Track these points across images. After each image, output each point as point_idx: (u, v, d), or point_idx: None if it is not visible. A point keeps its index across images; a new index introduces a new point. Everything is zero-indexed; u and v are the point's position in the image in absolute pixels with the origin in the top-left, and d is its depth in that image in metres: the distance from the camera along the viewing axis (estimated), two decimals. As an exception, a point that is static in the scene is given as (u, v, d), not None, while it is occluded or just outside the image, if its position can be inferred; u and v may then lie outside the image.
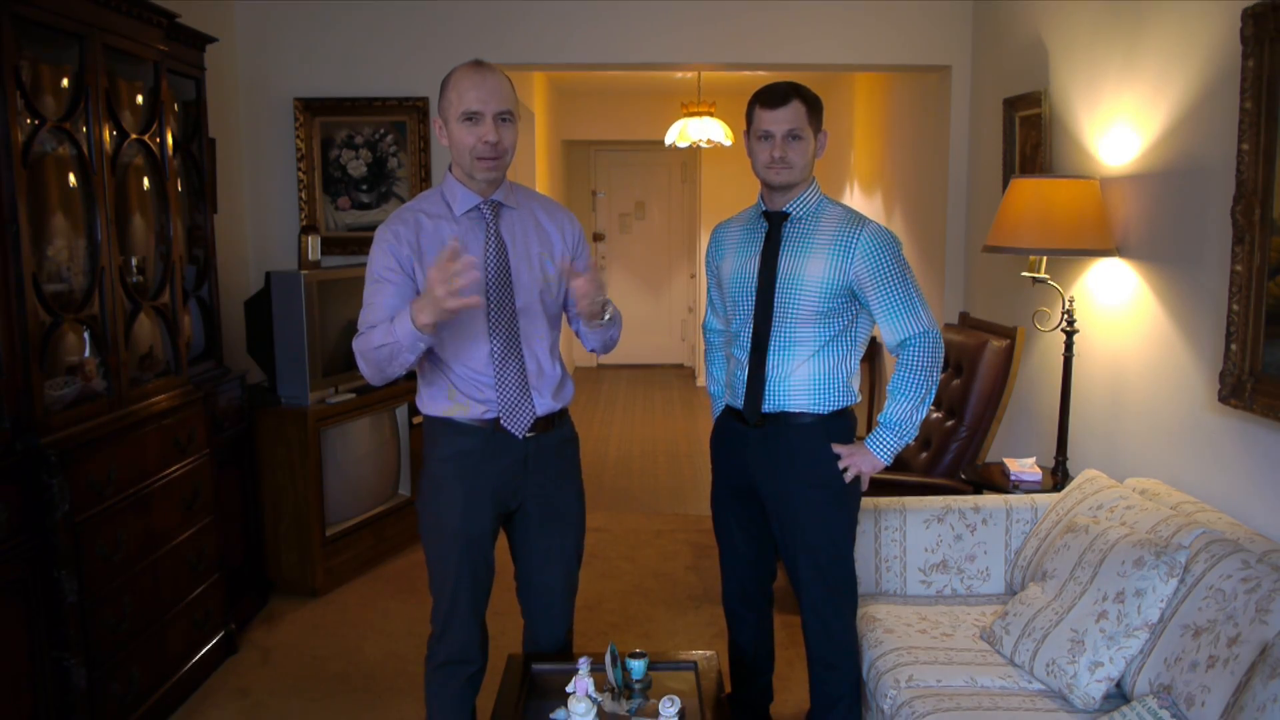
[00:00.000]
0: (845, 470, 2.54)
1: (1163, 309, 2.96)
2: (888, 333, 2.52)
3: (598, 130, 9.04)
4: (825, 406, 2.54)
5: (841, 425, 2.58)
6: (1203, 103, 2.74)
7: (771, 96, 2.50)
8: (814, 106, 2.52)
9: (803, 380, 2.53)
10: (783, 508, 2.59)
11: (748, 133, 2.56)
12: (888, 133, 5.97)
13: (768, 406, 2.55)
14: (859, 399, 2.63)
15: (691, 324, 9.60)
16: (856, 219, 2.52)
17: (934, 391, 2.52)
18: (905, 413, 2.51)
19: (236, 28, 4.64)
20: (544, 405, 2.42)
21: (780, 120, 2.48)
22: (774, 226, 2.56)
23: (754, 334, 2.55)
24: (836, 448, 2.54)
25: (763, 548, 2.77)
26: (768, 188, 2.56)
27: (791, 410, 2.54)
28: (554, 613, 2.58)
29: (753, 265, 2.57)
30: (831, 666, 2.64)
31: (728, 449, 2.70)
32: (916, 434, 2.56)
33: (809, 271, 2.49)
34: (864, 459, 2.54)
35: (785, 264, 2.52)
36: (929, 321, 2.50)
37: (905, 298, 2.48)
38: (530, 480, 2.45)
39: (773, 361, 2.54)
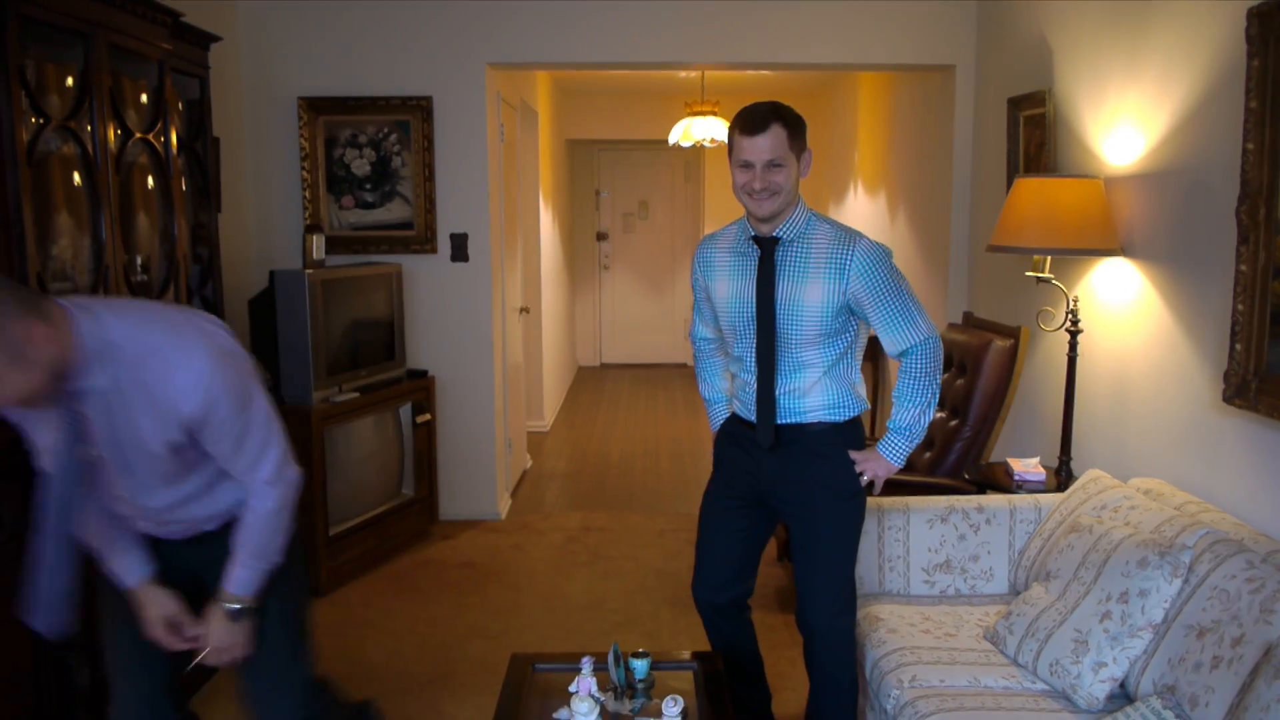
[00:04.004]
0: (862, 475, 2.57)
1: (1167, 309, 2.95)
2: (889, 344, 2.54)
3: (601, 129, 9.04)
4: (840, 416, 2.58)
5: (855, 432, 2.61)
6: (1207, 102, 2.74)
7: (750, 123, 2.41)
8: (795, 129, 2.45)
9: (817, 399, 2.55)
10: (800, 514, 2.60)
11: (730, 155, 2.49)
12: (891, 132, 5.96)
13: (783, 420, 2.58)
14: (867, 405, 2.67)
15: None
16: (847, 237, 2.49)
17: (938, 394, 2.55)
18: (914, 417, 2.54)
19: (241, 27, 4.64)
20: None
21: (759, 150, 2.41)
22: (766, 252, 2.52)
23: (759, 361, 2.54)
24: (853, 454, 2.57)
25: (749, 556, 2.75)
26: (752, 215, 2.52)
27: (809, 421, 2.57)
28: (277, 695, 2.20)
29: (749, 292, 2.53)
30: (830, 668, 2.64)
31: (739, 456, 2.68)
32: (924, 435, 2.59)
33: (808, 296, 2.47)
34: (879, 464, 2.56)
35: (783, 290, 2.49)
36: (928, 329, 2.51)
37: (903, 309, 2.49)
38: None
39: (783, 386, 2.55)
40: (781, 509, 2.65)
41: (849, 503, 2.59)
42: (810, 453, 2.57)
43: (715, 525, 2.75)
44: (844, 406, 2.57)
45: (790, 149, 2.43)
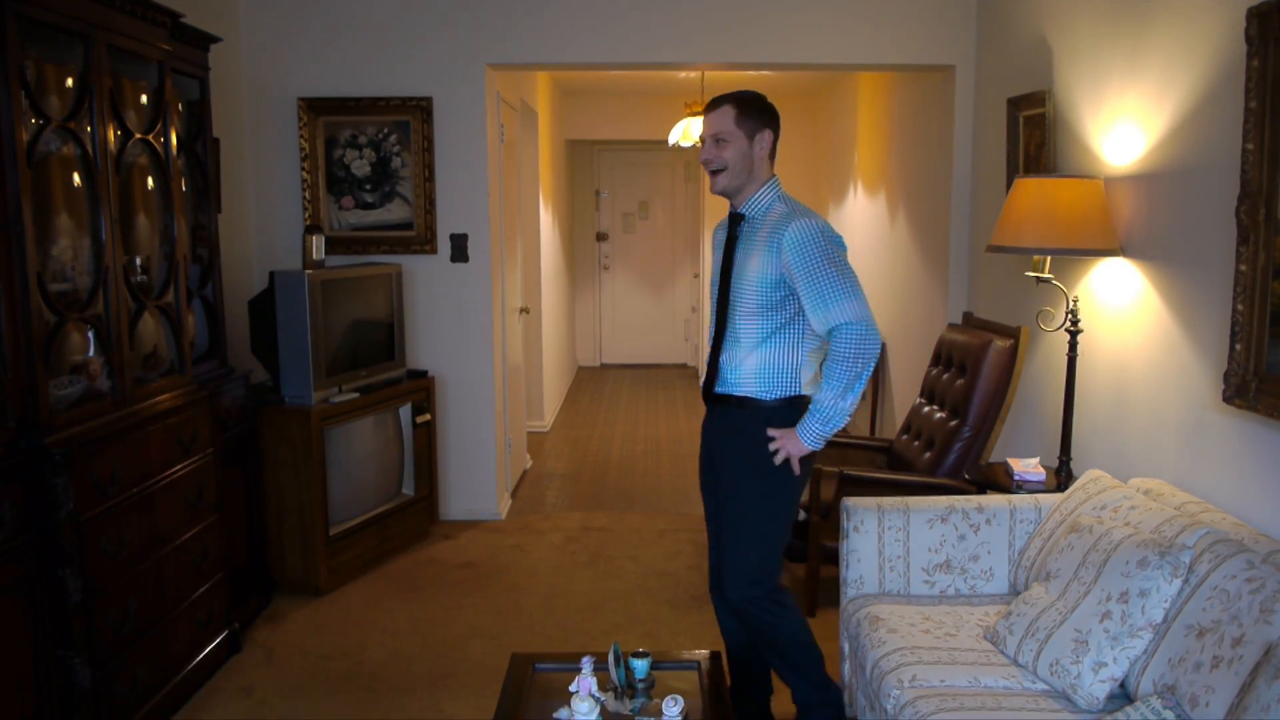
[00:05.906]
0: (777, 453, 2.65)
1: (1167, 309, 2.95)
2: (815, 322, 2.63)
3: (601, 130, 9.04)
4: (771, 394, 2.69)
5: (786, 414, 2.69)
6: (1207, 102, 2.74)
7: (708, 104, 2.70)
8: (746, 110, 2.66)
9: (751, 370, 2.69)
10: (722, 486, 2.76)
11: None
12: (891, 133, 5.96)
13: (720, 389, 2.74)
14: (807, 392, 2.74)
15: (695, 324, 9.61)
16: (790, 214, 2.64)
17: (863, 381, 2.60)
18: (830, 400, 2.60)
19: (241, 27, 4.64)
20: None
21: (706, 125, 2.68)
22: (733, 226, 2.75)
23: (715, 327, 2.76)
24: (770, 431, 2.66)
25: None
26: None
27: (739, 395, 2.70)
28: None
29: (719, 263, 2.78)
30: (753, 633, 2.77)
31: (704, 426, 2.92)
32: (845, 422, 2.65)
33: (750, 268, 2.66)
34: (792, 443, 2.65)
35: (738, 261, 2.70)
36: (856, 313, 2.57)
37: (830, 288, 2.57)
38: None
39: (726, 351, 2.72)
40: (716, 480, 2.79)
41: (765, 480, 2.68)
42: (735, 429, 2.72)
43: (706, 501, 2.93)
44: (776, 384, 2.68)
45: (738, 126, 2.65)
